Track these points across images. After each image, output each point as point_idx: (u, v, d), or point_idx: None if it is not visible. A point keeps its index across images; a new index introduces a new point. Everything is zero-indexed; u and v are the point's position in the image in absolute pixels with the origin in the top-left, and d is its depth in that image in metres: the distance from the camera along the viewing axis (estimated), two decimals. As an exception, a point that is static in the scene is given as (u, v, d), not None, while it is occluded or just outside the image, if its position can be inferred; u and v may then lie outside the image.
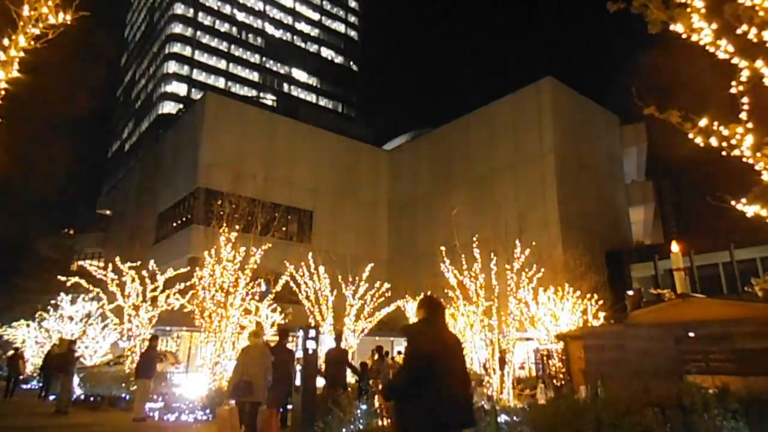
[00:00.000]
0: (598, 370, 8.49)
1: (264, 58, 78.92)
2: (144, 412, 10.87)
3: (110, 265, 14.76)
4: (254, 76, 77.58)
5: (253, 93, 69.61)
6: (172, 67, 71.51)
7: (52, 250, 52.03)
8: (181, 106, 61.69)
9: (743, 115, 4.75)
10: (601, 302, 15.52)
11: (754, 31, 4.46)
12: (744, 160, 4.77)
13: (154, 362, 11.54)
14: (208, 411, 10.40)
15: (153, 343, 11.82)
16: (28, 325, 30.48)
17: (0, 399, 15.71)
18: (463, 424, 3.55)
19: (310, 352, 8.07)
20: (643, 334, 8.62)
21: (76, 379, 14.20)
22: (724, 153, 4.84)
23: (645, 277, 22.90)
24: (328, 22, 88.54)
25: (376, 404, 8.26)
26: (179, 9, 73.13)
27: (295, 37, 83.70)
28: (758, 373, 6.81)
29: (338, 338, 9.92)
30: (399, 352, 24.15)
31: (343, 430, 7.28)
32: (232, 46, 76.60)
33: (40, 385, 17.50)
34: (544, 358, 15.48)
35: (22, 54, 4.42)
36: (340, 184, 29.80)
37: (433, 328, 3.78)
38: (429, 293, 5.66)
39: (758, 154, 4.66)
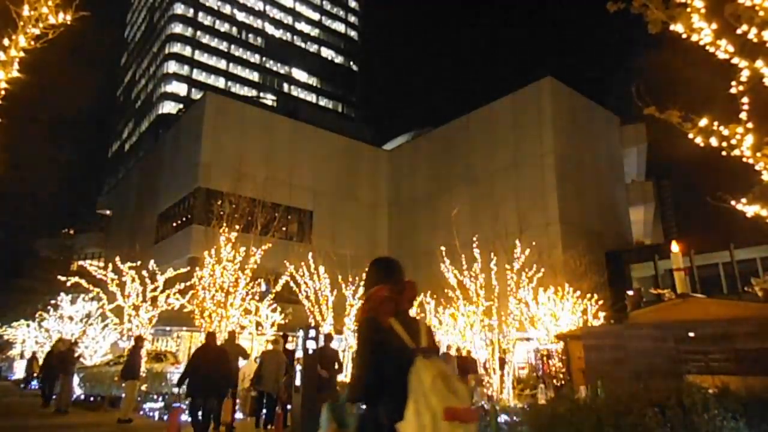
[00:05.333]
0: (598, 370, 8.49)
1: (264, 58, 78.90)
2: (131, 412, 10.87)
3: (110, 265, 14.75)
4: (254, 76, 77.56)
5: (253, 93, 69.60)
6: (172, 67, 71.49)
7: (52, 250, 52.11)
8: (181, 106, 61.69)
9: (743, 115, 4.75)
10: (601, 302, 15.51)
11: (754, 31, 4.46)
12: (744, 160, 4.77)
13: (138, 363, 11.56)
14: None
15: (139, 343, 11.82)
16: (28, 325, 30.54)
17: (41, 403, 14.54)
18: (205, 394, 7.90)
19: (310, 352, 8.10)
20: (643, 334, 8.62)
21: (76, 379, 14.21)
22: (724, 153, 4.85)
23: (645, 277, 22.89)
24: (328, 22, 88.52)
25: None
26: (179, 9, 73.10)
27: (295, 37, 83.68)
28: (758, 373, 6.81)
29: (328, 338, 10.08)
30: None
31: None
32: (232, 46, 76.57)
33: (40, 386, 16.34)
34: (544, 358, 15.47)
35: (22, 54, 4.42)
36: (340, 184, 29.78)
37: (203, 347, 8.52)
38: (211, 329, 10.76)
39: (758, 154, 4.67)
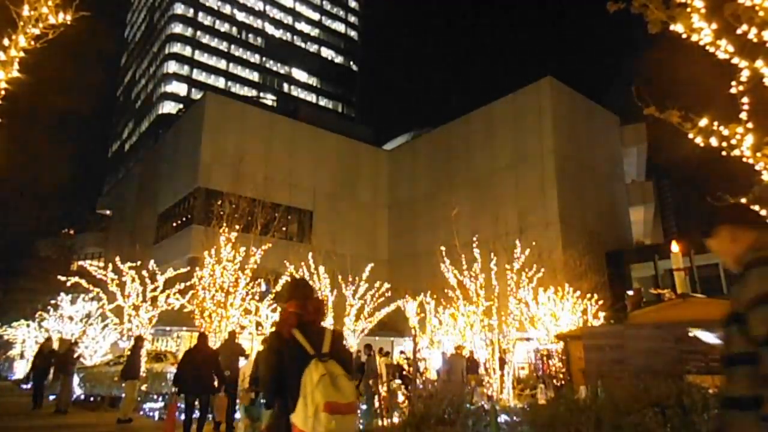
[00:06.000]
0: (598, 370, 8.48)
1: (264, 58, 78.91)
2: (131, 412, 10.89)
3: (110, 265, 14.74)
4: (254, 76, 77.58)
5: (253, 93, 69.61)
6: (172, 67, 71.51)
7: (52, 250, 52.14)
8: (181, 106, 61.70)
9: (743, 115, 4.75)
10: (601, 302, 15.51)
11: (754, 31, 4.46)
12: (744, 160, 4.77)
13: (138, 363, 11.55)
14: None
15: (139, 343, 11.82)
16: (28, 325, 30.53)
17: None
18: (196, 391, 8.13)
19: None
20: (643, 334, 8.62)
21: (76, 379, 14.19)
22: (724, 153, 4.84)
23: (645, 277, 22.88)
24: (328, 22, 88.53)
25: (376, 404, 8.26)
26: (179, 9, 73.11)
27: (295, 37, 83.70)
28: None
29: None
30: (401, 352, 24.17)
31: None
32: (232, 46, 76.60)
33: (32, 387, 14.51)
34: (544, 358, 15.47)
35: (22, 54, 4.42)
36: (340, 184, 29.78)
37: (191, 351, 8.69)
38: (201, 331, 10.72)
39: (758, 154, 4.66)
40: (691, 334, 7.81)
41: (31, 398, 13.66)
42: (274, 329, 2.94)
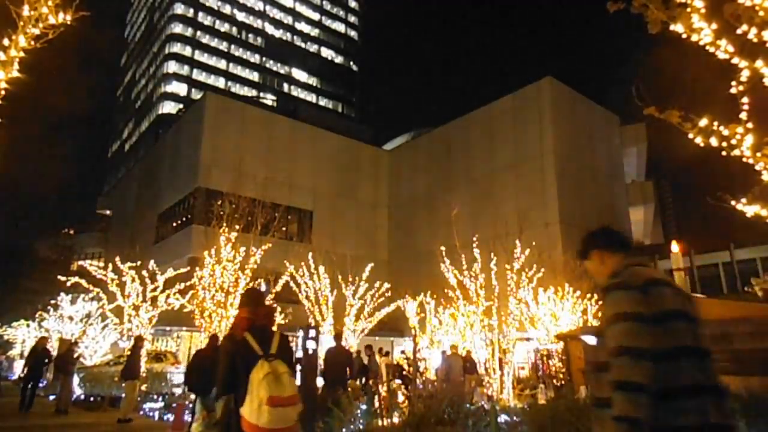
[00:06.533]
0: (598, 370, 8.47)
1: (264, 58, 78.90)
2: (131, 412, 10.91)
3: (110, 265, 14.75)
4: (254, 76, 77.56)
5: (253, 93, 69.60)
6: (172, 67, 71.49)
7: (52, 250, 52.21)
8: (181, 106, 61.67)
9: (743, 115, 4.75)
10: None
11: (754, 31, 4.46)
12: (744, 160, 4.77)
13: (138, 363, 11.56)
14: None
15: (139, 343, 11.83)
16: (28, 325, 30.56)
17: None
18: (207, 392, 6.84)
19: (310, 352, 8.10)
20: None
21: (76, 379, 14.19)
22: (724, 153, 4.84)
23: (645, 277, 22.81)
24: (328, 22, 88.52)
25: (376, 404, 8.25)
26: (179, 9, 73.11)
27: (295, 37, 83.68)
28: (758, 373, 6.80)
29: (338, 337, 9.93)
30: (402, 352, 24.17)
31: (343, 430, 7.28)
32: (232, 46, 76.58)
33: (21, 385, 13.38)
34: (544, 358, 15.47)
35: (22, 54, 4.42)
36: (340, 184, 29.77)
37: (201, 352, 8.35)
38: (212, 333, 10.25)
39: (758, 154, 4.66)
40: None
41: (28, 398, 13.67)
42: (228, 332, 3.37)
